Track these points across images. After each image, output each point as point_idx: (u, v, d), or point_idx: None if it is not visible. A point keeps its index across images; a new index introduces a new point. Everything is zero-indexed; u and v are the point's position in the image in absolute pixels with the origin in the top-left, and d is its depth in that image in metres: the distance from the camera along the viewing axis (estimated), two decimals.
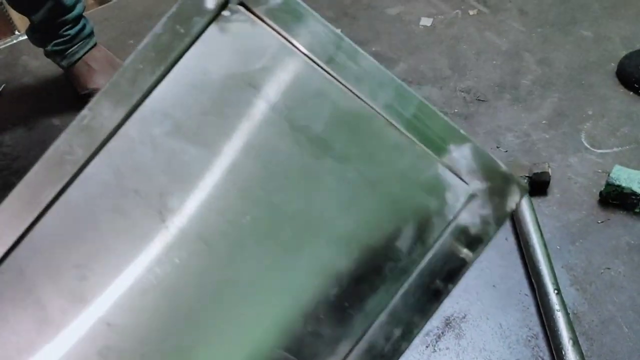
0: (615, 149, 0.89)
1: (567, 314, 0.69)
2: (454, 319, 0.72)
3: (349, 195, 0.40)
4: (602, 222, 0.80)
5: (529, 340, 0.70)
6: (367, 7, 1.20)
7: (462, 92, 1.00)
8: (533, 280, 0.73)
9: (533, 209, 0.79)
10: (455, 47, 1.08)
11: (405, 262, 0.40)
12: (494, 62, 1.05)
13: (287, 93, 0.41)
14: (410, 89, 0.45)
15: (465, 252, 0.40)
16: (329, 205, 0.40)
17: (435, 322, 0.72)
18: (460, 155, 0.42)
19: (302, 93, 0.41)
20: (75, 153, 0.43)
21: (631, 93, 0.97)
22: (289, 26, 0.42)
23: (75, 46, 0.96)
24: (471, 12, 1.15)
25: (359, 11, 1.19)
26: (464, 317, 0.72)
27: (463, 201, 0.41)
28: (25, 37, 1.21)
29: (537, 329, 0.71)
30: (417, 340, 0.70)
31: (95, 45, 1.00)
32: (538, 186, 0.83)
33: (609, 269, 0.76)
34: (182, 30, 0.42)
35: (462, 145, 0.42)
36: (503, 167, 0.41)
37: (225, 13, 0.41)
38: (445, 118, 0.43)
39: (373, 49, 1.11)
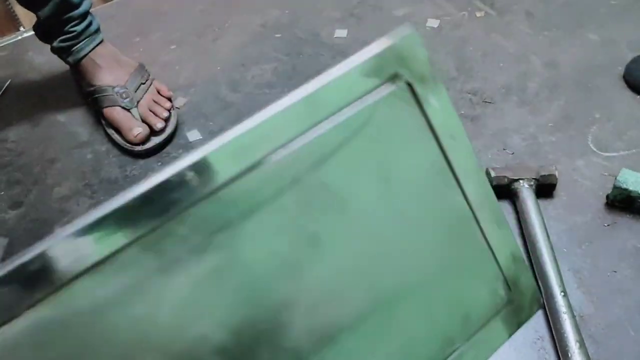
0: (622, 153, 0.89)
1: (573, 317, 0.69)
2: None
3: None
4: (609, 225, 0.80)
5: (535, 342, 0.70)
6: (373, 8, 1.20)
7: (469, 93, 1.00)
8: (539, 283, 0.73)
9: (540, 212, 0.79)
10: (462, 48, 1.08)
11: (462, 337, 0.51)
12: (501, 64, 1.05)
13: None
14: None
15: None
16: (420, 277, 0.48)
17: None
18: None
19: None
20: None
21: (638, 97, 0.97)
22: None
23: (82, 43, 0.96)
24: (478, 14, 1.15)
25: (365, 12, 1.19)
26: None
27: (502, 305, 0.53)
28: (31, 33, 1.21)
29: (543, 331, 0.70)
30: None
31: (101, 42, 0.99)
32: (545, 189, 0.83)
33: (615, 272, 0.75)
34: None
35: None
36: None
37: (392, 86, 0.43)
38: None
39: None
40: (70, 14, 0.93)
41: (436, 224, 0.47)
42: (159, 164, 0.93)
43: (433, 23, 1.14)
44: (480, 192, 0.48)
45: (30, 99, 1.08)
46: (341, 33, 1.14)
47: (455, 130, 0.46)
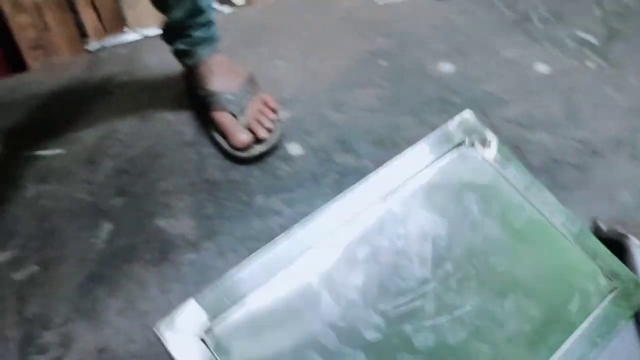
0: None
1: None
2: None
3: (539, 269, 0.63)
4: None
5: None
6: (482, 46, 1.20)
7: (576, 142, 0.98)
8: None
9: None
10: (571, 97, 1.06)
11: (574, 319, 0.61)
12: (612, 116, 1.02)
13: (496, 202, 0.66)
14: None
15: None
16: (527, 272, 0.63)
17: None
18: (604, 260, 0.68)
19: (507, 204, 0.67)
20: None
21: None
22: (502, 163, 0.71)
23: (201, 48, 1.01)
24: (590, 64, 1.13)
25: (473, 49, 1.19)
26: None
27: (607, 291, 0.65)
28: (147, 34, 1.28)
29: None
30: None
31: (218, 50, 1.04)
32: None
33: None
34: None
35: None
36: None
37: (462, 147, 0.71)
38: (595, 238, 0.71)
39: (484, 87, 1.10)
40: (197, 19, 0.98)
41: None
42: (259, 171, 0.95)
43: (542, 68, 1.13)
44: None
45: (142, 96, 1.14)
46: (446, 67, 1.15)
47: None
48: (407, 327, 0.52)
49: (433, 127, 0.99)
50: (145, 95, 1.14)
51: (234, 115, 0.98)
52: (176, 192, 0.93)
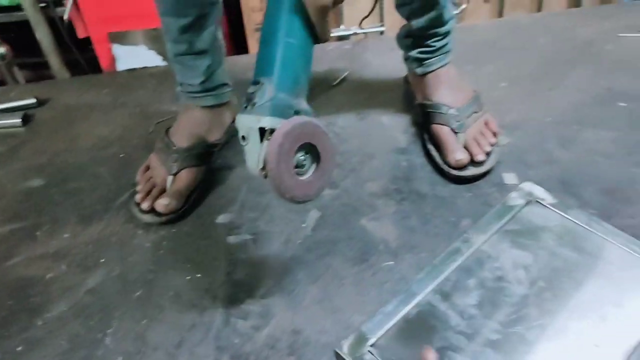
0: None
1: None
2: None
3: None
4: None
5: None
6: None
7: None
8: None
9: None
10: None
11: None
12: None
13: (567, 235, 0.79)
14: None
15: None
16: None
17: None
18: None
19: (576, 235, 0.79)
20: None
21: None
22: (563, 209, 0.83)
23: (435, 58, 1.00)
24: None
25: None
26: None
27: None
28: (366, 31, 1.31)
29: None
30: None
31: (448, 62, 1.02)
32: None
33: None
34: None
35: None
36: None
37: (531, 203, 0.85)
38: None
39: None
40: (439, 30, 0.97)
41: None
42: (469, 194, 0.92)
43: None
44: None
45: (361, 94, 1.17)
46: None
47: None
48: (519, 328, 0.68)
49: None
50: (364, 94, 1.17)
51: (454, 132, 0.95)
52: (383, 196, 0.93)
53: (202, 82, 0.95)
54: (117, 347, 0.75)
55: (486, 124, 0.98)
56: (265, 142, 0.63)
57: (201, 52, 0.93)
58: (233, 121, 1.02)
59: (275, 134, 0.59)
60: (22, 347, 0.76)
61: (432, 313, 0.71)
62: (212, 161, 0.99)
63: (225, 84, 1.00)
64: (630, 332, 0.66)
